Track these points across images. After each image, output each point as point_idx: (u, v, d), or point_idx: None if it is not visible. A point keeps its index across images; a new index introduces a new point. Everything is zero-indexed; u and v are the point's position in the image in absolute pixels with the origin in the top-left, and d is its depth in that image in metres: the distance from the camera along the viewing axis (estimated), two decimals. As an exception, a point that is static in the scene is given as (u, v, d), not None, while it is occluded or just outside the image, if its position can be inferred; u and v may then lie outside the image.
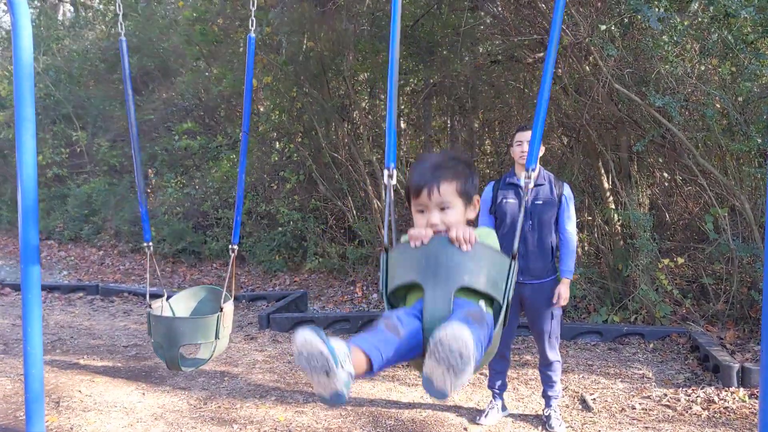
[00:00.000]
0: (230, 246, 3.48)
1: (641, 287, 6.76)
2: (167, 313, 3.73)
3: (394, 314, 2.07)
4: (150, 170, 13.32)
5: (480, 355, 1.96)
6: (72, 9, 17.93)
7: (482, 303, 2.19)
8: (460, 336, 1.78)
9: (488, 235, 2.33)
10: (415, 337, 2.06)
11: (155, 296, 4.26)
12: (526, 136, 4.25)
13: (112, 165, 13.64)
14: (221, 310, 3.49)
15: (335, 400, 1.85)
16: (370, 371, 1.94)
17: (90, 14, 16.37)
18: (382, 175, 2.47)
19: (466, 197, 2.27)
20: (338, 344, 1.84)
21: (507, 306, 2.19)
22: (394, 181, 2.41)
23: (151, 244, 3.65)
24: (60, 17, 17.68)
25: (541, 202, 4.26)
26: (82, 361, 5.94)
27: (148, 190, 13.14)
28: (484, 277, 2.13)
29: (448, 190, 2.22)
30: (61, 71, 14.35)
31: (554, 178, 4.37)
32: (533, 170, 2.39)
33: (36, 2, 16.71)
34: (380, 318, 2.07)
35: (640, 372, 5.56)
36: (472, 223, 2.38)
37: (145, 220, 3.61)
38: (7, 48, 15.77)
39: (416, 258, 2.15)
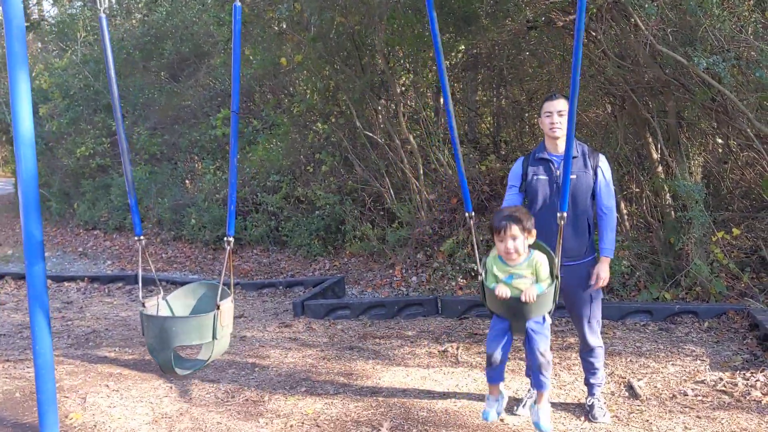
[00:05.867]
0: (225, 238, 3.22)
1: (694, 262, 6.34)
2: (164, 311, 3.51)
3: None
4: (194, 157, 13.28)
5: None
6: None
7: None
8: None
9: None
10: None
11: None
12: (555, 105, 3.89)
13: (153, 153, 13.66)
14: (218, 308, 3.25)
15: None
16: None
17: (125, 3, 16.36)
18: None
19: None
20: None
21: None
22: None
23: (143, 238, 3.43)
24: (99, 7, 17.71)
25: (574, 176, 3.89)
26: (113, 354, 5.86)
27: (191, 178, 13.13)
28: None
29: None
30: (100, 62, 14.39)
31: (588, 150, 4.01)
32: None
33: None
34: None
35: (694, 354, 5.18)
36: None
37: (135, 213, 3.38)
38: (48, 42, 15.88)
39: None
